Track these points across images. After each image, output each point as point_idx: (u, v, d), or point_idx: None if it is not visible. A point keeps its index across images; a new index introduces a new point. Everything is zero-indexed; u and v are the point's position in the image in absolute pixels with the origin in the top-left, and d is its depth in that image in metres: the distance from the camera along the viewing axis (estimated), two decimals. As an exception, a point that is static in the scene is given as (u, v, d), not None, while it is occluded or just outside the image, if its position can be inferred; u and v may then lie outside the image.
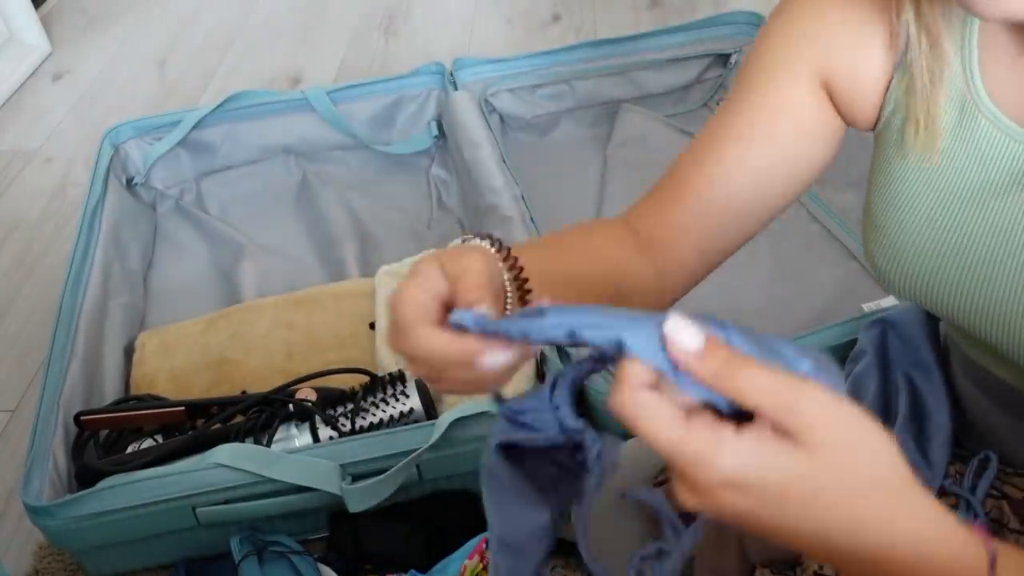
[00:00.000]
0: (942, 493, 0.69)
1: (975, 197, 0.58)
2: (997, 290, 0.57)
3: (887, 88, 0.61)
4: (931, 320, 0.79)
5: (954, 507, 0.68)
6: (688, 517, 0.41)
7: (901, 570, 0.39)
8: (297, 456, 0.99)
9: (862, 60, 0.61)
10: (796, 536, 0.39)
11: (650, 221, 0.68)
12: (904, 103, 0.60)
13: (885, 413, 0.76)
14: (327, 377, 1.13)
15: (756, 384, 0.38)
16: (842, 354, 0.85)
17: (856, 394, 0.77)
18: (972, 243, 0.58)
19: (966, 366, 0.70)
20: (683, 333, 0.39)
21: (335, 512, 1.04)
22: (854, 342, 0.85)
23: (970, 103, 0.57)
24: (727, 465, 0.37)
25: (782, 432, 0.37)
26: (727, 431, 0.38)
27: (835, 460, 0.37)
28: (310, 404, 1.08)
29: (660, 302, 0.69)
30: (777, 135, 0.64)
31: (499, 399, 0.48)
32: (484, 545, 0.96)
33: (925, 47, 0.57)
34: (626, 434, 0.44)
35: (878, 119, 0.63)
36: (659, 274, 0.68)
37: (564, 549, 1.07)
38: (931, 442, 0.71)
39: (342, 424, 1.06)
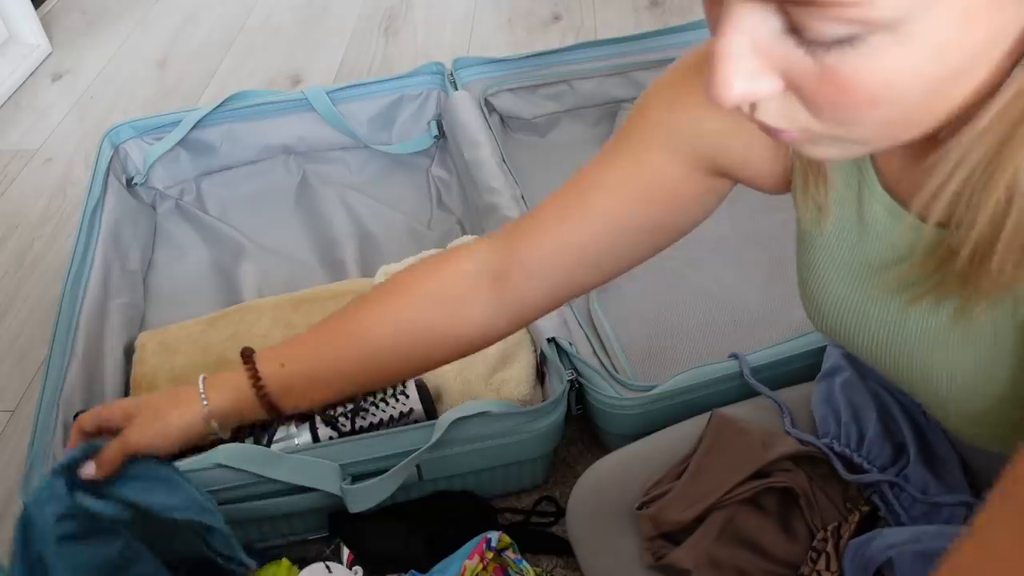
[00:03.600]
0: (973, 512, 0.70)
1: (863, 273, 0.57)
2: (887, 355, 0.57)
3: (789, 168, 0.60)
4: None
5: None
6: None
7: None
8: (297, 456, 0.99)
9: (756, 153, 0.59)
10: None
11: (502, 254, 0.69)
12: (800, 191, 0.59)
13: (887, 435, 0.76)
14: (327, 377, 1.13)
15: None
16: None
17: (856, 418, 0.77)
18: (869, 306, 0.58)
19: None
20: None
21: (335, 512, 1.04)
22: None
23: (866, 188, 0.55)
24: None
25: None
26: None
27: None
28: (310, 404, 1.08)
29: (485, 339, 0.71)
30: (647, 198, 0.63)
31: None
32: (484, 545, 0.96)
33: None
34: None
35: (786, 185, 0.61)
36: (498, 307, 0.69)
37: (563, 549, 1.08)
38: (945, 473, 0.72)
39: (342, 424, 1.06)
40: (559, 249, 0.66)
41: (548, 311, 0.70)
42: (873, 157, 0.55)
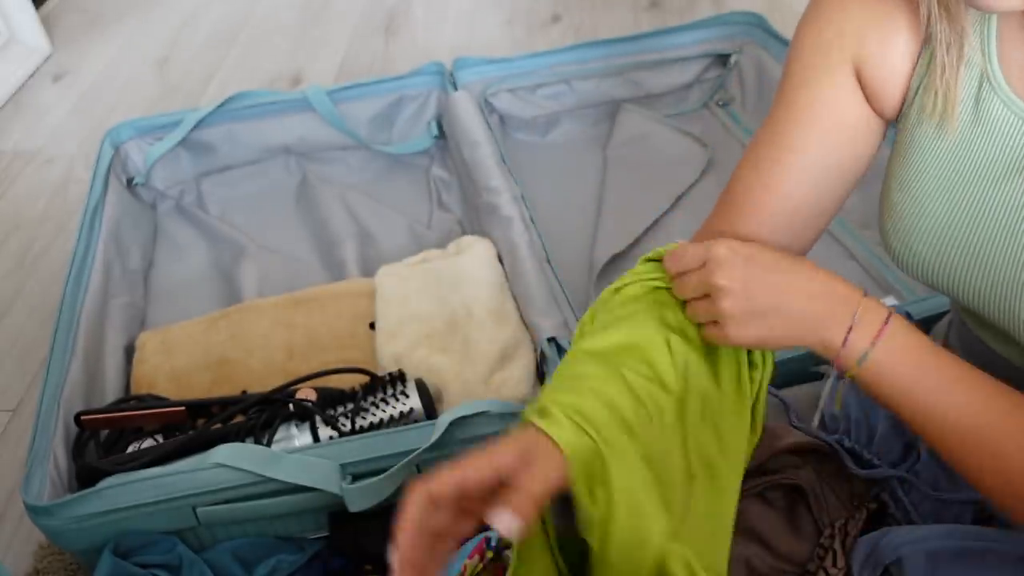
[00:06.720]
0: (982, 510, 0.70)
1: (985, 177, 0.59)
2: (999, 269, 0.59)
3: (911, 76, 0.63)
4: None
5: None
6: None
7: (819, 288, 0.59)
8: (297, 456, 0.99)
9: (889, 50, 0.63)
10: (773, 286, 0.59)
11: (728, 233, 0.72)
12: (925, 84, 0.61)
13: (897, 432, 0.76)
14: (327, 377, 1.14)
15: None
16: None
17: (866, 415, 0.77)
18: (979, 222, 0.60)
19: (973, 348, 0.71)
20: None
21: (335, 512, 1.04)
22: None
23: (987, 85, 0.59)
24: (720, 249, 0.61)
25: None
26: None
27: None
28: (310, 404, 1.08)
29: None
30: (827, 139, 0.66)
31: None
32: (484, 544, 0.96)
33: (945, 22, 0.59)
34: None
35: (902, 106, 0.65)
36: None
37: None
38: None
39: (342, 424, 1.06)
40: (773, 216, 0.70)
41: None
42: (1000, 55, 0.58)
